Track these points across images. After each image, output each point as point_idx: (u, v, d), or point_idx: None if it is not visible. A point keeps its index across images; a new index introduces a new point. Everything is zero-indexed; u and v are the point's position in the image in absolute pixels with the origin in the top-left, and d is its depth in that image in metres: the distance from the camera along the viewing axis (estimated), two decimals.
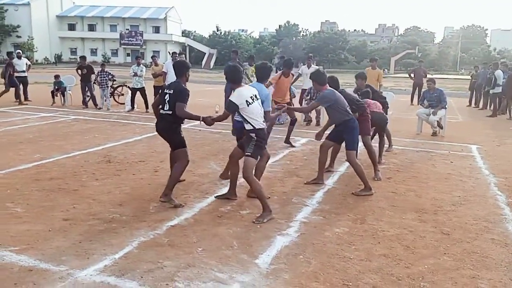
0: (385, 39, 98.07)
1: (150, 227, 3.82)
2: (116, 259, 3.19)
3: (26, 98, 13.56)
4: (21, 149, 6.81)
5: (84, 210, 4.21)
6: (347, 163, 6.54)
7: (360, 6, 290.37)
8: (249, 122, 4.19)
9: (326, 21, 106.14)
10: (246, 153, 4.24)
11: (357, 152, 5.13)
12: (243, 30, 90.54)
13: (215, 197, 4.71)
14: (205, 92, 19.87)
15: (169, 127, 4.54)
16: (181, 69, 4.67)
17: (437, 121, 9.10)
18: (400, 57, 65.05)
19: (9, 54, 13.56)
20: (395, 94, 13.33)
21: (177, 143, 4.61)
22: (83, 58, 12.58)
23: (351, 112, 5.12)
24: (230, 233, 3.77)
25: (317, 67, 11.59)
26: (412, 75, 16.13)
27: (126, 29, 63.59)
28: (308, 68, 10.84)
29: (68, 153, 6.60)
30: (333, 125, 5.35)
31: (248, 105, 4.15)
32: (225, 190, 4.92)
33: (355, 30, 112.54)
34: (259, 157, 4.46)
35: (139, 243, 3.49)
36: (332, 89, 5.11)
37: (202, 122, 4.47)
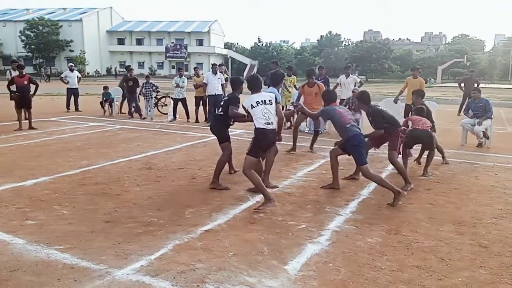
0: (432, 48, 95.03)
1: (185, 231, 3.96)
2: (152, 260, 3.35)
3: (76, 109, 14.39)
4: (70, 156, 7.25)
5: (125, 214, 4.44)
6: (385, 172, 6.48)
7: (405, 15, 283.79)
8: (254, 123, 4.89)
9: (369, 30, 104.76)
10: (246, 152, 4.92)
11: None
12: (284, 41, 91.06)
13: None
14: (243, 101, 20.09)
15: (219, 124, 5.63)
16: (236, 84, 5.70)
17: (483, 131, 8.73)
18: (447, 66, 62.83)
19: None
20: (441, 104, 12.92)
21: (223, 138, 5.60)
22: (130, 70, 13.18)
23: (354, 129, 5.20)
24: (261, 239, 3.83)
25: (356, 77, 11.48)
26: (462, 84, 15.47)
27: (172, 43, 65.87)
28: (347, 78, 10.77)
29: (113, 160, 6.95)
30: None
31: (252, 108, 4.89)
32: (259, 197, 5.01)
33: (399, 39, 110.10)
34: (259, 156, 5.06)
35: (174, 245, 3.63)
36: (332, 107, 5.42)
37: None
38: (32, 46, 58.26)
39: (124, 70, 14.00)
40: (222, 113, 5.48)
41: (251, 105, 4.90)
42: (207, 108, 11.86)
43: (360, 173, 6.01)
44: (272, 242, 3.78)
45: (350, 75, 11.05)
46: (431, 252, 3.62)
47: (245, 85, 5.52)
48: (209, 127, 5.85)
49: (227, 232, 3.99)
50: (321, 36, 76.89)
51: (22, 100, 10.11)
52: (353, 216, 4.54)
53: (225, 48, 72.02)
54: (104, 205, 4.70)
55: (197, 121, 12.06)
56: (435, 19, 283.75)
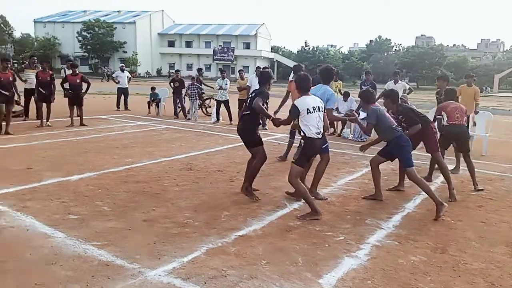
0: (489, 55, 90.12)
1: (220, 235, 3.92)
2: (184, 262, 3.33)
3: (126, 108, 14.89)
4: (116, 153, 7.47)
5: (162, 213, 4.47)
6: (434, 185, 6.13)
7: (460, 20, 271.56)
8: (303, 129, 4.49)
9: (421, 35, 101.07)
10: (292, 160, 4.64)
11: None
12: (332, 46, 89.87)
13: (298, 217, 4.50)
14: (287, 106, 19.99)
15: (246, 126, 5.11)
16: (266, 78, 5.27)
17: None
18: (505, 75, 59.30)
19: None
20: (497, 115, 12.14)
21: (253, 142, 5.11)
22: (177, 71, 13.49)
23: (399, 129, 5.02)
24: (296, 249, 3.71)
25: (405, 83, 11.04)
26: None
27: (219, 46, 66.97)
28: (395, 84, 10.37)
29: (156, 159, 7.08)
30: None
31: (307, 113, 4.45)
32: (297, 204, 4.89)
33: (454, 45, 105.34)
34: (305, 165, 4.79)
35: (207, 249, 3.60)
36: (376, 106, 5.08)
37: (269, 121, 4.88)
38: (88, 47, 61.27)
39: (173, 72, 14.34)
40: (248, 112, 5.01)
41: (308, 110, 4.45)
42: None
43: (405, 185, 5.78)
44: (308, 252, 3.65)
45: (399, 81, 10.64)
46: (480, 276, 3.34)
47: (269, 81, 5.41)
48: (237, 130, 5.31)
49: (262, 238, 3.90)
50: (370, 40, 75.18)
51: (75, 98, 10.58)
52: (395, 230, 4.30)
53: (271, 51, 72.18)
54: (144, 203, 4.77)
55: None
56: (493, 25, 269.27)
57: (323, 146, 5.13)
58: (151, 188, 5.37)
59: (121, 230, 3.95)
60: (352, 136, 10.35)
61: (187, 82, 13.42)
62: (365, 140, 10.00)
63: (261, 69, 11.78)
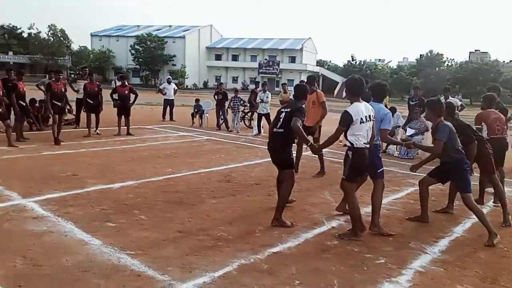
0: None
1: (253, 250, 3.82)
2: (215, 277, 3.25)
3: (171, 118, 15.26)
4: (158, 163, 7.60)
5: (197, 225, 4.44)
6: (486, 208, 5.70)
7: None
8: (350, 140, 4.10)
9: (476, 50, 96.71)
10: (343, 177, 4.24)
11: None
12: (379, 60, 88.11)
13: (336, 236, 4.28)
14: (331, 121, 19.69)
15: (279, 145, 4.60)
16: (302, 91, 4.85)
17: None
18: None
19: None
20: None
21: (285, 163, 4.63)
22: (220, 84, 13.68)
23: (462, 150, 4.52)
24: (332, 270, 3.53)
25: (457, 99, 10.51)
26: None
27: (265, 59, 67.63)
28: (445, 100, 9.87)
29: (195, 170, 7.13)
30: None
31: (360, 123, 4.04)
32: (335, 222, 4.70)
33: (510, 61, 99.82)
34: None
35: (239, 265, 3.50)
36: (447, 122, 4.53)
37: (307, 147, 4.47)
38: (140, 59, 63.95)
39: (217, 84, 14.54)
40: (282, 130, 4.50)
41: (361, 119, 4.02)
42: None
43: (454, 207, 5.42)
44: (344, 275, 3.46)
45: (450, 97, 10.13)
46: None
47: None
48: (268, 148, 4.87)
49: (296, 257, 3.76)
50: (420, 55, 72.79)
51: (123, 108, 10.96)
52: (442, 256, 4.00)
53: (317, 65, 71.89)
54: (180, 214, 4.77)
55: None
56: None
57: (379, 171, 4.59)
58: (188, 199, 5.38)
59: (155, 240, 3.96)
60: (398, 153, 9.94)
61: (230, 95, 13.56)
62: (411, 157, 9.59)
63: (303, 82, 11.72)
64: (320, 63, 75.02)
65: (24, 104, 9.64)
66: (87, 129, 10.41)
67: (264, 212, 5.00)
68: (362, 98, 4.27)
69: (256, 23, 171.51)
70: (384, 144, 10.29)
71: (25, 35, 73.17)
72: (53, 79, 9.37)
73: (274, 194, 5.77)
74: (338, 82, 73.23)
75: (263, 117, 12.33)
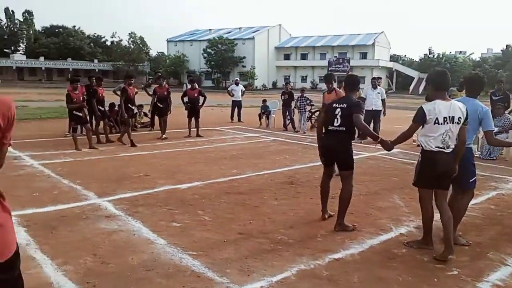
0: None
1: (313, 256, 3.72)
2: (273, 282, 3.21)
3: (239, 119, 15.53)
4: (224, 164, 7.76)
5: (258, 227, 4.43)
6: None
7: None
8: (420, 140, 3.74)
9: None
10: (412, 181, 3.93)
11: None
12: (460, 52, 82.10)
13: (405, 243, 4.00)
14: (405, 119, 18.70)
15: (342, 144, 4.37)
16: (355, 83, 4.58)
17: None
18: None
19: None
20: None
21: (347, 163, 4.41)
22: (286, 83, 13.63)
23: None
24: (398, 280, 3.31)
25: None
26: None
27: (334, 57, 66.27)
28: None
29: (259, 172, 7.15)
30: None
31: (434, 123, 3.59)
32: (404, 229, 4.43)
33: None
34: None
35: (298, 270, 3.43)
36: None
37: (378, 144, 4.18)
38: (212, 62, 66.08)
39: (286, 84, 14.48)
40: (343, 128, 4.24)
41: (436, 119, 3.56)
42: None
43: None
44: (411, 285, 3.23)
45: None
46: None
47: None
48: (324, 147, 4.58)
49: (359, 264, 3.59)
50: (506, 45, 66.60)
51: (193, 110, 11.35)
52: None
53: (390, 60, 68.89)
54: (242, 215, 4.81)
55: None
56: None
57: (471, 180, 4.04)
58: (250, 200, 5.41)
59: (216, 241, 4.02)
60: (479, 153, 9.14)
61: (296, 95, 13.45)
62: (494, 158, 8.78)
63: (376, 80, 11.25)
64: (394, 58, 71.77)
65: (103, 109, 10.38)
66: (160, 131, 10.92)
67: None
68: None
69: (325, 20, 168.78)
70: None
71: (108, 43, 79.33)
72: (127, 83, 9.87)
73: (338, 197, 5.59)
74: (414, 78, 69.72)
75: None
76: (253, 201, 5.38)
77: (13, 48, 77.78)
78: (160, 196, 5.51)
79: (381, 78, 11.54)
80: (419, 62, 68.34)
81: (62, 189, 5.72)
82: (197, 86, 11.82)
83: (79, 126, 9.50)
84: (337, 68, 64.87)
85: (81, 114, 9.10)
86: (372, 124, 10.86)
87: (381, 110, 10.93)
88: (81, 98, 9.14)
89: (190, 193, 5.73)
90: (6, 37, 75.71)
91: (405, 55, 78.43)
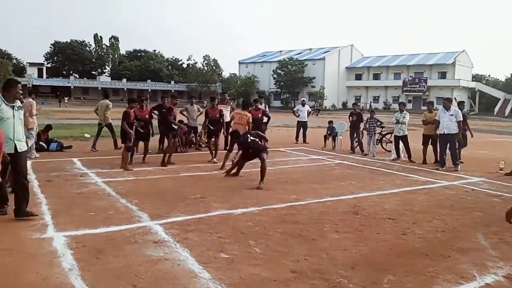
0: None
1: None
2: None
3: (304, 141, 15.08)
4: (283, 188, 7.34)
5: (314, 265, 3.94)
6: None
7: None
8: None
9: None
10: None
11: None
12: None
13: None
14: (490, 144, 16.97)
15: None
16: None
17: None
18: None
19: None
20: None
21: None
22: (354, 104, 12.97)
23: None
24: None
25: None
26: None
27: (410, 76, 63.41)
28: None
29: (320, 198, 6.63)
30: None
31: None
32: (491, 278, 3.67)
33: None
34: None
35: None
36: None
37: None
38: (281, 83, 66.59)
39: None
40: None
41: None
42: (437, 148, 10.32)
43: None
44: None
45: None
46: None
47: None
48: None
49: None
50: None
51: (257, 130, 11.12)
52: None
53: (472, 80, 64.31)
54: (297, 249, 4.34)
55: (424, 162, 10.65)
56: None
57: None
58: (308, 232, 4.92)
59: (265, 279, 3.60)
60: None
61: (365, 116, 12.71)
62: None
63: (457, 101, 10.22)
64: (476, 78, 66.99)
65: (176, 127, 10.50)
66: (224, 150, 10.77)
67: (395, 256, 4.22)
68: None
69: (399, 39, 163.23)
70: None
71: (184, 65, 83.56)
72: (210, 105, 9.73)
73: (410, 234, 4.94)
74: (499, 99, 65.05)
75: (400, 140, 11.15)
76: (310, 233, 4.89)
77: (99, 70, 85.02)
78: (212, 222, 5.22)
79: (451, 100, 10.37)
80: (506, 82, 62.99)
81: (118, 209, 5.69)
82: (261, 107, 11.63)
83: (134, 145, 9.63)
84: (412, 88, 62.04)
85: (142, 131, 9.34)
86: (448, 150, 9.81)
87: (455, 134, 9.64)
88: (147, 117, 9.44)
89: (244, 219, 5.38)
90: (94, 60, 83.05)
91: (489, 75, 73.10)
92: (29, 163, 9.04)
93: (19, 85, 5.18)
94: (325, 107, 61.42)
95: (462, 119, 9.73)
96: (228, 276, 3.63)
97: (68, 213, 5.40)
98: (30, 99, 10.16)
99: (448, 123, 9.61)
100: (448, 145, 9.74)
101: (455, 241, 4.75)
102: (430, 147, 10.71)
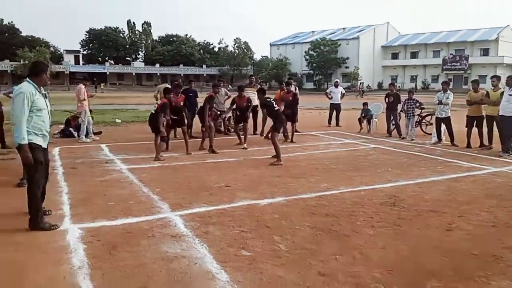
0: None
1: None
2: None
3: (337, 124, 14.46)
4: (314, 176, 6.89)
5: (345, 266, 3.51)
6: None
7: None
8: None
9: None
10: None
11: None
12: None
13: None
14: None
15: None
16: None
17: None
18: None
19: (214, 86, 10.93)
20: None
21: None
22: (391, 84, 12.20)
23: None
24: None
25: None
26: None
27: (450, 54, 60.35)
28: None
29: (354, 187, 6.14)
30: None
31: None
32: None
33: None
34: None
35: None
36: None
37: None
38: (314, 64, 65.13)
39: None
40: None
41: None
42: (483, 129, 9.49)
43: None
44: None
45: None
46: None
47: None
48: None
49: None
50: None
51: (290, 115, 10.57)
52: None
53: None
54: (327, 247, 3.92)
55: (468, 146, 9.84)
56: None
57: None
58: (340, 226, 4.47)
59: (289, 283, 3.21)
60: None
61: (403, 97, 11.92)
62: None
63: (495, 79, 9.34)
64: None
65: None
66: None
67: (439, 257, 3.71)
68: None
69: (439, 16, 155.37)
70: None
71: (216, 49, 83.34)
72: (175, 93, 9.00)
73: (456, 229, 4.41)
74: None
75: (442, 122, 10.34)
76: (342, 228, 4.44)
77: (133, 56, 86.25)
78: (235, 213, 4.87)
79: (499, 77, 9.43)
80: None
81: (139, 199, 5.44)
82: (292, 89, 11.12)
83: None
84: (453, 67, 59.18)
85: (176, 118, 8.94)
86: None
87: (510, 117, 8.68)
88: (181, 103, 9.00)
89: (270, 211, 4.99)
90: (128, 46, 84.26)
91: None
92: (56, 149, 9.08)
93: (49, 69, 4.73)
94: (356, 88, 59.61)
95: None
96: (248, 278, 3.27)
97: (87, 203, 5.20)
98: (81, 85, 10.73)
99: (504, 104, 8.68)
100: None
101: (508, 238, 4.17)
102: (474, 130, 9.88)
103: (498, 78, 9.61)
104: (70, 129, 11.15)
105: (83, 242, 3.95)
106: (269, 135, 8.69)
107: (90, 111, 11.14)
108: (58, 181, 6.26)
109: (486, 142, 9.70)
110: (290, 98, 10.72)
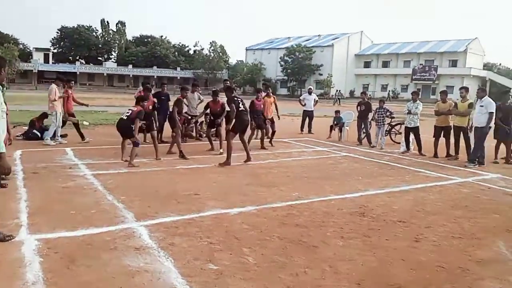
0: None
1: None
2: None
3: (309, 131, 14.52)
4: (284, 184, 6.82)
5: (313, 280, 3.44)
6: None
7: None
8: None
9: None
10: None
11: None
12: None
13: None
14: None
15: None
16: None
17: None
18: None
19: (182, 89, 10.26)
20: None
21: None
22: (363, 93, 12.36)
23: None
24: None
25: None
26: None
27: (420, 64, 62.08)
28: None
29: (325, 196, 6.11)
30: None
31: None
32: None
33: None
34: None
35: None
36: None
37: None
38: (288, 70, 65.56)
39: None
40: None
41: None
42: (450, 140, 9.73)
43: None
44: None
45: None
46: None
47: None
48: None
49: None
50: None
51: (259, 121, 10.56)
52: None
53: (484, 69, 62.85)
54: (295, 260, 3.84)
55: (435, 155, 10.05)
56: None
57: None
58: (309, 237, 4.41)
59: None
60: None
61: (374, 106, 12.09)
62: None
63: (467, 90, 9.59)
64: (488, 67, 65.47)
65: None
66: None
67: (407, 269, 3.71)
68: None
69: (411, 26, 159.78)
70: None
71: (191, 52, 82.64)
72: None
73: (423, 240, 4.43)
74: (510, 89, 63.56)
75: (411, 132, 10.54)
76: (312, 239, 4.38)
77: (106, 56, 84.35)
78: (204, 223, 4.73)
79: (468, 88, 9.75)
80: None
81: (102, 207, 5.21)
82: (267, 94, 11.06)
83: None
84: (422, 77, 60.79)
85: (145, 122, 8.72)
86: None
87: (483, 127, 8.86)
88: (150, 108, 8.79)
89: (240, 220, 4.89)
90: (100, 46, 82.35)
91: (500, 63, 71.34)
92: (18, 152, 8.66)
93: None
94: (332, 96, 60.43)
95: (493, 110, 8.82)
96: None
97: (47, 211, 4.94)
98: (53, 85, 10.29)
99: (477, 116, 8.88)
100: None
101: (474, 250, 4.23)
102: (442, 140, 10.11)
103: (466, 89, 9.86)
104: (34, 130, 10.69)
105: (40, 254, 3.71)
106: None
107: (72, 114, 10.85)
108: (17, 187, 5.94)
109: (452, 152, 9.93)
110: (262, 106, 10.60)
